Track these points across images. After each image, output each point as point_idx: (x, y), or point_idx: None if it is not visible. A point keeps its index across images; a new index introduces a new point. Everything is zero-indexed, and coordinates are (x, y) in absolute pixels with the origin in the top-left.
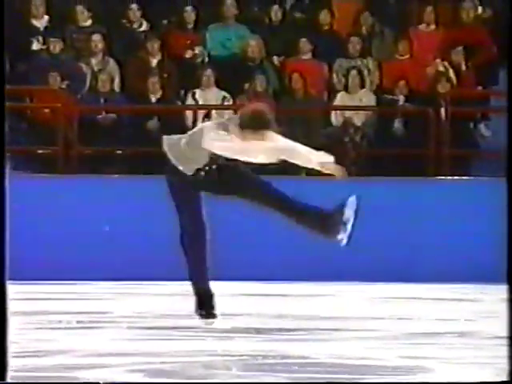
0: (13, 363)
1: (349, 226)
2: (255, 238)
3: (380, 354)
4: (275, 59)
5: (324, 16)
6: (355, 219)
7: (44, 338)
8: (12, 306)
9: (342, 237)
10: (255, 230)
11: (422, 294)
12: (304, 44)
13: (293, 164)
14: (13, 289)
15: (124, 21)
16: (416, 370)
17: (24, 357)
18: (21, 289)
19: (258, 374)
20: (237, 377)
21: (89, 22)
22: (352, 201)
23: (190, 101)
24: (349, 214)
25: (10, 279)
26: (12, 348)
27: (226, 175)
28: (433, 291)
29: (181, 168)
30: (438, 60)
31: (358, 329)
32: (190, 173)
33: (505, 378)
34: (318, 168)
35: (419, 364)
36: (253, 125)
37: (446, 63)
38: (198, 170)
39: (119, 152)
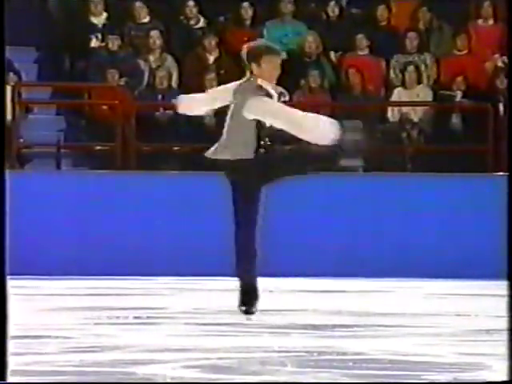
0: (71, 358)
1: None
2: (313, 235)
3: (437, 351)
4: (332, 55)
5: (381, 11)
6: None
7: (102, 333)
8: (70, 301)
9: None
10: (313, 228)
11: (479, 291)
12: (361, 40)
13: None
14: (70, 284)
15: (181, 17)
16: (474, 366)
17: (82, 352)
18: (79, 284)
19: (313, 371)
20: (292, 373)
21: (147, 19)
22: None
23: None
24: None
25: (70, 275)
26: (70, 343)
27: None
28: (490, 288)
29: (239, 156)
30: (497, 55)
31: (415, 325)
32: (250, 156)
33: None
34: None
35: (477, 361)
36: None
37: (505, 58)
38: (258, 148)
39: (176, 148)
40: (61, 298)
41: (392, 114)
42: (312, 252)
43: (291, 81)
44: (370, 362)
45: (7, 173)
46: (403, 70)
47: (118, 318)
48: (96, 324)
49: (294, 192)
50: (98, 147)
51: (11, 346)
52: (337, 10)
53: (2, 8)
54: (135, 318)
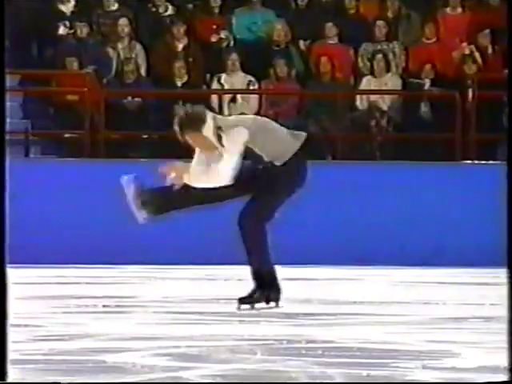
0: (40, 346)
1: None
2: (281, 225)
3: (405, 339)
4: (301, 43)
5: (350, 0)
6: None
7: (71, 321)
8: (39, 289)
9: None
10: (281, 217)
11: (447, 279)
12: (330, 28)
13: (317, 150)
14: (39, 273)
15: (150, 5)
16: (441, 354)
17: (51, 340)
18: (48, 273)
19: (283, 359)
20: (262, 361)
21: (115, 7)
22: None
23: (215, 85)
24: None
25: (39, 263)
26: (39, 332)
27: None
28: (458, 276)
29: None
30: (465, 43)
31: (384, 313)
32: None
33: None
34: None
35: (444, 348)
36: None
37: (472, 47)
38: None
39: (145, 136)
40: (29, 287)
41: (361, 102)
42: (280, 240)
43: (260, 69)
44: (339, 350)
45: None
46: (372, 59)
47: (87, 306)
48: (65, 312)
49: None
50: (67, 135)
51: None
52: None
53: (1, 8)
54: (104, 306)
